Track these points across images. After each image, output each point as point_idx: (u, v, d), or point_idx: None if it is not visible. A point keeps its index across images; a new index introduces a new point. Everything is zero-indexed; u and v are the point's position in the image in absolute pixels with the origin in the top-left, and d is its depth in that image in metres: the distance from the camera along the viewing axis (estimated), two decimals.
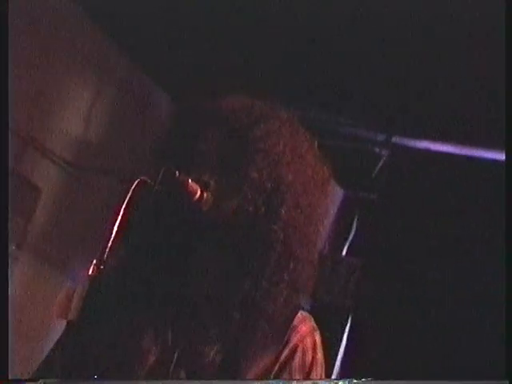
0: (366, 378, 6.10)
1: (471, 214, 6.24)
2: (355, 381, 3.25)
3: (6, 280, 3.12)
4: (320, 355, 2.69)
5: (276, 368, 2.64)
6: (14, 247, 5.54)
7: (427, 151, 5.85)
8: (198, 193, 2.52)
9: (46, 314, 5.38)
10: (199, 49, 5.72)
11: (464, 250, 6.21)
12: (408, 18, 4.99)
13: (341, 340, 5.98)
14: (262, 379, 2.72)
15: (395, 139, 5.81)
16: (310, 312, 2.66)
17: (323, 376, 2.77)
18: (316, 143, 2.73)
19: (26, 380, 2.72)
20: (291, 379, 2.73)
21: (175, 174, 2.51)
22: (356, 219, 6.06)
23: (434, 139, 5.86)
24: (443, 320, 6.40)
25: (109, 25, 5.83)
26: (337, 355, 5.93)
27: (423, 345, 6.16)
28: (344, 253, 6.04)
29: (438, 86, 5.50)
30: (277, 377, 2.72)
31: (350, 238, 6.05)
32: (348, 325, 5.99)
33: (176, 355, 2.65)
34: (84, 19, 5.74)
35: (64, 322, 2.49)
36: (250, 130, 2.67)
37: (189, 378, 2.74)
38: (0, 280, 3.04)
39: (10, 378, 2.81)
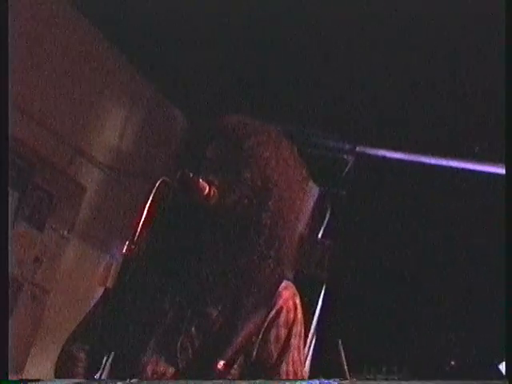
0: (336, 331, 5.88)
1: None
2: (359, 382, 3.35)
3: (6, 281, 3.40)
4: (300, 315, 3.11)
5: (265, 324, 3.05)
6: (66, 232, 5.97)
7: (384, 158, 6.15)
8: (207, 190, 2.94)
9: (90, 282, 5.94)
10: (205, 75, 5.92)
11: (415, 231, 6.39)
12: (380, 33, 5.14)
13: (317, 303, 6.12)
14: (254, 337, 3.08)
15: (359, 148, 6.18)
16: (292, 281, 3.13)
17: (302, 331, 3.18)
18: (296, 150, 3.18)
19: (26, 380, 3.09)
20: (278, 334, 3.10)
21: (189, 175, 2.91)
22: (329, 210, 6.30)
23: (389, 148, 6.14)
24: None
25: (137, 56, 6.13)
26: (313, 315, 6.07)
27: (382, 304, 6.29)
28: (320, 236, 6.26)
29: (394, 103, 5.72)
30: (268, 327, 3.09)
31: (324, 224, 6.27)
32: (322, 291, 6.19)
33: (188, 314, 3.06)
34: (116, 54, 6.03)
35: (102, 289, 3.19)
36: (245, 141, 3.08)
37: (197, 333, 3.10)
38: (0, 281, 3.21)
39: (9, 377, 2.95)
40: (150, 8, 5.37)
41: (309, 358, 5.96)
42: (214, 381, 3.08)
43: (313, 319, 6.05)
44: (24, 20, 5.27)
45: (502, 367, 5.73)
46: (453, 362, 5.47)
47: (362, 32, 5.23)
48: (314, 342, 6.08)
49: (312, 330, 6.03)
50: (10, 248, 3.62)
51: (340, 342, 3.13)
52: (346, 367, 3.07)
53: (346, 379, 3.06)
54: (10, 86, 3.16)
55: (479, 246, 6.19)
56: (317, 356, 6.01)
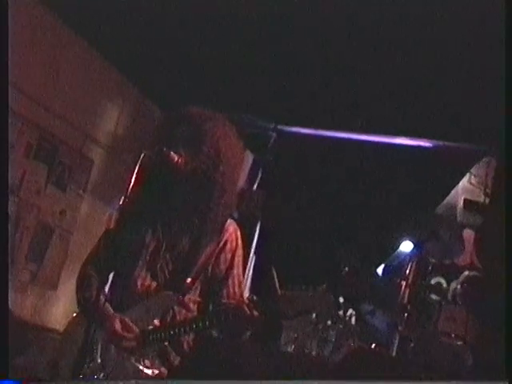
0: (270, 255, 5.81)
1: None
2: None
3: (6, 283, 3.35)
4: (240, 243, 3.48)
5: (217, 250, 3.38)
6: (81, 191, 6.33)
7: (297, 133, 6.33)
8: (176, 159, 3.23)
9: (99, 225, 6.07)
10: (174, 79, 6.12)
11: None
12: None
13: (254, 235, 6.13)
14: (210, 260, 3.30)
15: (280, 127, 6.35)
16: (235, 219, 3.51)
17: (242, 253, 3.45)
18: (235, 130, 3.49)
19: (26, 380, 3.05)
20: (225, 257, 3.37)
21: (163, 149, 3.21)
22: (260, 170, 6.40)
23: (301, 126, 6.35)
24: None
25: (125, 65, 6.30)
26: (251, 244, 6.06)
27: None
28: (255, 187, 6.35)
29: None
30: (219, 253, 3.33)
31: (258, 180, 6.36)
32: (258, 225, 6.22)
33: (164, 244, 3.36)
34: (110, 68, 6.29)
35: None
36: (202, 125, 3.36)
37: (171, 258, 3.29)
38: (0, 283, 3.21)
39: (9, 377, 2.91)
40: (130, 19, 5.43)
41: (250, 276, 5.93)
42: (222, 380, 3.27)
43: (251, 248, 6.00)
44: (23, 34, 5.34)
45: None
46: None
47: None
48: (253, 263, 6.02)
49: (251, 255, 5.99)
50: (9, 250, 3.82)
51: (273, 267, 3.05)
52: (277, 286, 3.06)
53: (278, 294, 3.11)
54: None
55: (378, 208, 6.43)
56: (255, 275, 5.95)
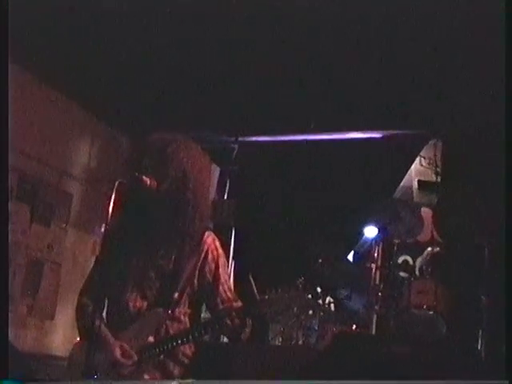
0: (246, 259, 5.83)
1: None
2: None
3: (6, 283, 3.43)
4: (221, 251, 3.41)
5: (200, 262, 3.32)
6: (64, 225, 6.27)
7: (257, 142, 6.49)
8: (148, 182, 3.18)
9: (85, 253, 6.31)
10: (137, 109, 6.12)
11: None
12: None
13: (230, 242, 6.33)
14: (195, 272, 3.23)
15: (241, 139, 6.48)
16: (212, 229, 3.45)
17: (225, 262, 3.41)
18: (199, 147, 3.43)
19: (27, 380, 3.02)
20: (209, 268, 3.30)
21: (135, 175, 3.16)
22: (228, 180, 6.53)
23: (261, 134, 6.49)
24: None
25: (93, 105, 6.29)
26: (229, 251, 6.24)
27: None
28: (225, 197, 6.51)
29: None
30: (202, 265, 3.27)
31: (227, 190, 6.50)
32: (233, 233, 6.44)
33: (149, 264, 3.28)
34: (76, 107, 6.25)
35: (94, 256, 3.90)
36: (166, 149, 3.30)
37: (157, 276, 3.25)
38: (0, 284, 3.18)
39: (9, 377, 2.81)
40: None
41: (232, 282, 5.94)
42: (217, 380, 3.26)
43: (229, 253, 6.18)
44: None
45: None
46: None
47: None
48: (232, 269, 6.12)
49: (230, 261, 6.14)
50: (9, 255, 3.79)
51: (250, 273, 2.97)
52: (255, 291, 3.02)
53: (257, 299, 3.10)
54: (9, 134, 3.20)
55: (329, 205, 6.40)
56: (235, 280, 5.77)
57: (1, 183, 3.32)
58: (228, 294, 3.37)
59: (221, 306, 3.31)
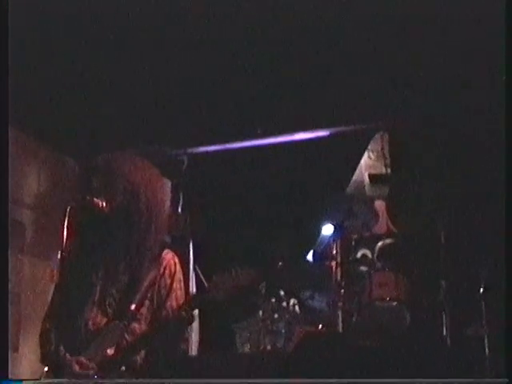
0: (206, 267, 5.68)
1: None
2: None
3: (6, 283, 3.42)
4: (178, 267, 3.45)
5: (158, 277, 3.36)
6: (19, 255, 6.12)
7: (206, 152, 6.39)
8: (99, 203, 3.23)
9: (43, 281, 6.13)
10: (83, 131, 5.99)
11: None
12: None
13: (189, 258, 6.11)
14: (152, 287, 3.27)
15: (189, 150, 6.37)
16: (170, 243, 3.59)
17: (181, 277, 3.42)
18: (146, 162, 3.46)
19: (26, 380, 3.14)
20: (165, 283, 3.34)
21: (86, 197, 3.22)
22: (181, 193, 6.28)
23: (210, 144, 6.40)
24: None
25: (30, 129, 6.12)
26: (189, 267, 5.94)
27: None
28: (179, 210, 6.25)
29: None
30: (159, 283, 3.30)
31: (180, 203, 6.27)
32: (191, 243, 6.28)
33: (109, 283, 3.33)
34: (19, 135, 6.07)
35: (53, 284, 3.39)
36: (112, 166, 3.35)
37: (117, 292, 3.27)
38: (0, 284, 3.27)
39: (9, 377, 2.97)
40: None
41: (194, 289, 5.58)
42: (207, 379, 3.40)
43: (189, 269, 5.90)
44: None
45: None
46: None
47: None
48: (194, 280, 5.89)
49: (191, 273, 5.91)
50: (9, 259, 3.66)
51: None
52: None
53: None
54: None
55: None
56: (197, 288, 5.67)
57: None
58: (180, 299, 3.39)
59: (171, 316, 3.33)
